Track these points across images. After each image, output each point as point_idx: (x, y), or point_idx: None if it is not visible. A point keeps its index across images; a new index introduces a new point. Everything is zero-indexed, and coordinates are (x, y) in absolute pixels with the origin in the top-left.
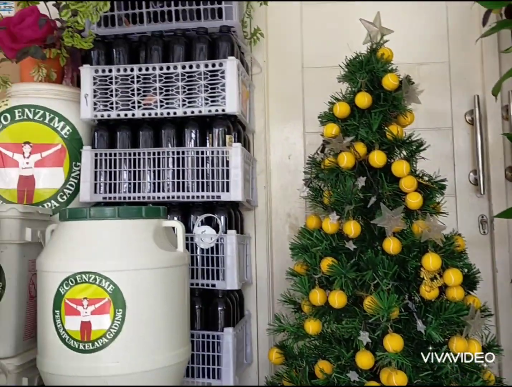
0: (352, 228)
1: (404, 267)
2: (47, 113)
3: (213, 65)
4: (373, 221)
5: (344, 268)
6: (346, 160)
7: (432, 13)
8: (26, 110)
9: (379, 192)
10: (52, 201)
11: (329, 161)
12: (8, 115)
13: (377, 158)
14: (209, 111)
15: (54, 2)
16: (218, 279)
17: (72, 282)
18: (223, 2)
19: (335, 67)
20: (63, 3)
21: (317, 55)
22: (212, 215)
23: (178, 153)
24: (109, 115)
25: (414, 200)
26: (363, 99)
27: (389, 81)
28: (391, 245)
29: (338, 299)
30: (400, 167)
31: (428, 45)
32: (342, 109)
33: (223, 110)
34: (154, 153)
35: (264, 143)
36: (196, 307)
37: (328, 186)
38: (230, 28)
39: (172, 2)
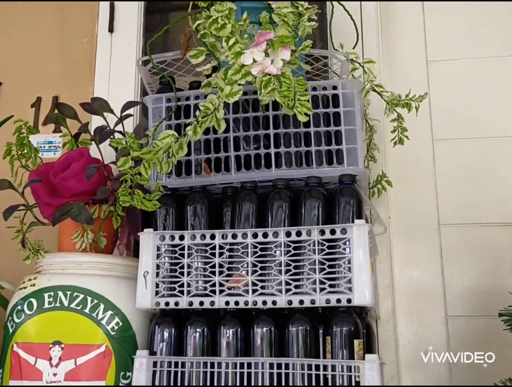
0: None
1: None
2: (89, 299)
3: (333, 232)
4: None
5: None
6: None
7: None
8: (60, 294)
9: None
10: None
11: None
12: (34, 301)
13: None
14: (327, 302)
15: (109, 142)
16: None
17: None
18: (343, 143)
19: (483, 225)
20: (120, 144)
21: (456, 208)
22: None
23: (279, 366)
24: (177, 304)
25: None
26: None
27: None
28: None
29: None
30: None
31: None
32: None
33: (349, 300)
34: (242, 365)
35: (393, 334)
36: None
37: None
38: (355, 178)
39: (272, 143)
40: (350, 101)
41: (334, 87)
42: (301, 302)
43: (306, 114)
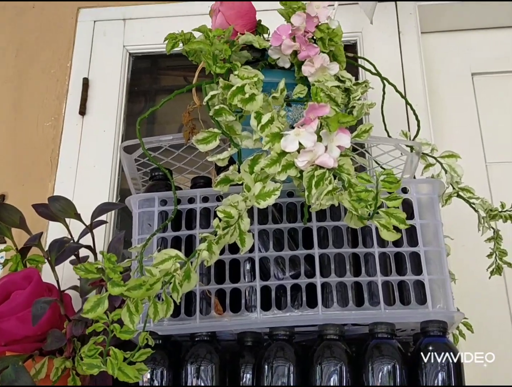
0: None
1: None
2: None
3: None
4: None
5: None
6: None
7: None
8: None
9: None
10: None
11: None
12: None
13: None
14: None
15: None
16: None
17: None
18: (424, 271)
19: None
20: (92, 272)
21: None
22: None
23: None
24: None
25: None
26: None
27: None
28: None
29: None
30: None
31: None
32: None
33: None
34: None
35: None
36: None
37: None
38: (447, 327)
39: (317, 269)
40: (427, 210)
41: (404, 190)
42: None
43: (395, 229)
